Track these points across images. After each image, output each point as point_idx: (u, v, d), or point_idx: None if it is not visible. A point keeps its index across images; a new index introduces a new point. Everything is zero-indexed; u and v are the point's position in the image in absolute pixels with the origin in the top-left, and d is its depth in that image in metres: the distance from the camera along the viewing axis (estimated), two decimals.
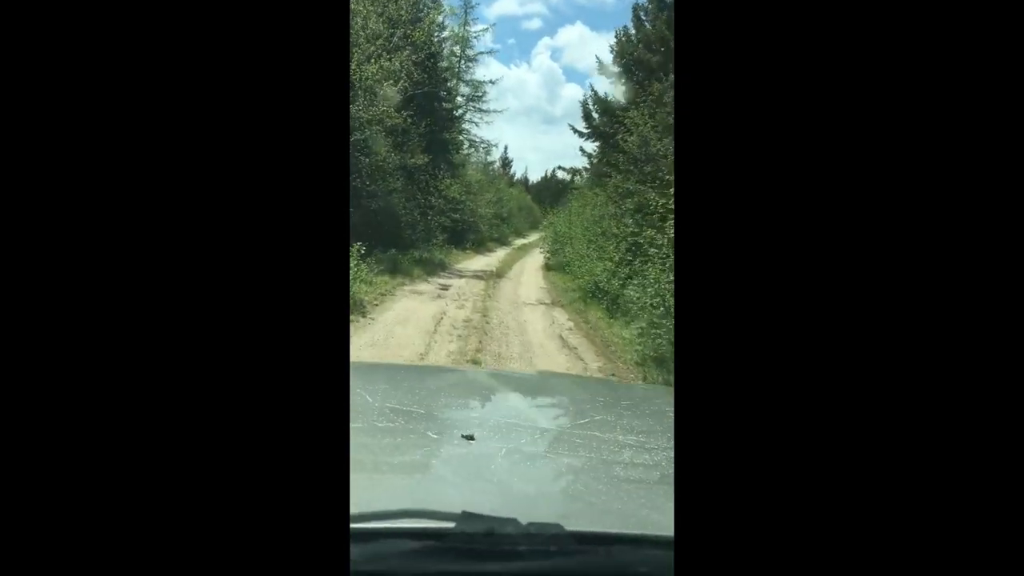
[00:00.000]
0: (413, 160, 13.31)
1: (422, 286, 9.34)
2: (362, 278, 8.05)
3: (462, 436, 0.88)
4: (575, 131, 14.27)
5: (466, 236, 17.81)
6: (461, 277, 11.19)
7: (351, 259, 7.86)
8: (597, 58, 14.45)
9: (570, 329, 6.65)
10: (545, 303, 8.74)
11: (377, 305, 7.03)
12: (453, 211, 16.40)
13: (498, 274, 12.20)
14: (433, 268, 11.52)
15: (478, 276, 11.53)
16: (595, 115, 13.91)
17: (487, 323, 6.54)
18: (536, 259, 17.49)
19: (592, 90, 14.25)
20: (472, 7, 20.34)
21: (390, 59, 10.78)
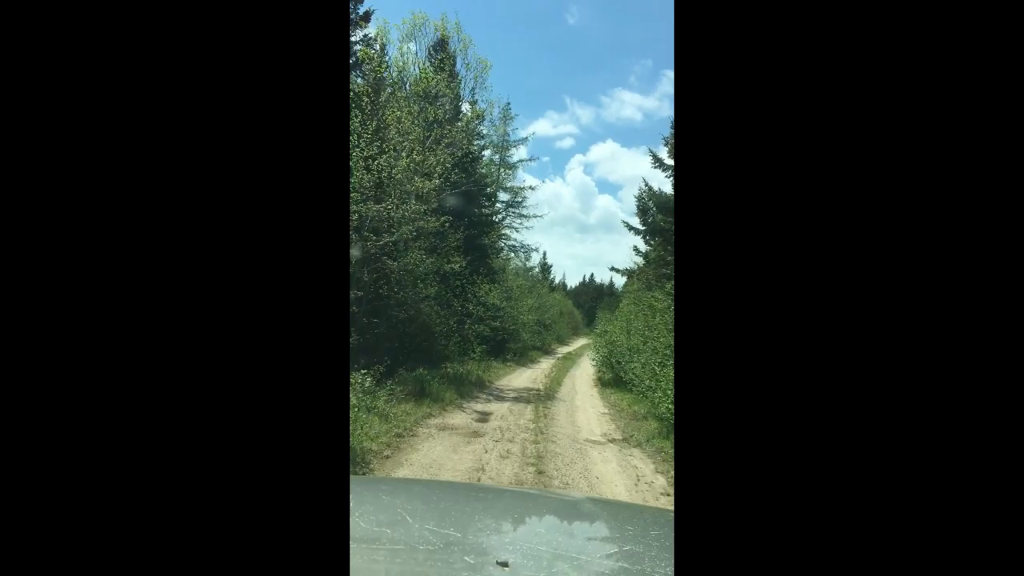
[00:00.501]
0: (450, 265, 12.06)
1: (455, 416, 7.41)
2: (377, 410, 6.22)
3: (496, 563, 0.86)
4: (629, 228, 12.82)
5: (506, 346, 16.16)
6: (503, 399, 9.24)
7: (358, 390, 6.13)
8: (651, 151, 13.30)
9: (667, 494, 4.56)
10: (615, 439, 6.66)
11: (388, 457, 5.04)
12: (493, 319, 14.94)
13: (547, 394, 10.20)
14: (469, 388, 9.63)
15: (523, 398, 9.56)
16: (653, 209, 12.49)
17: (545, 486, 4.52)
18: (586, 371, 15.51)
19: (647, 185, 12.99)
20: (511, 118, 20.03)
21: (423, 155, 9.75)
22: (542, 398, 9.63)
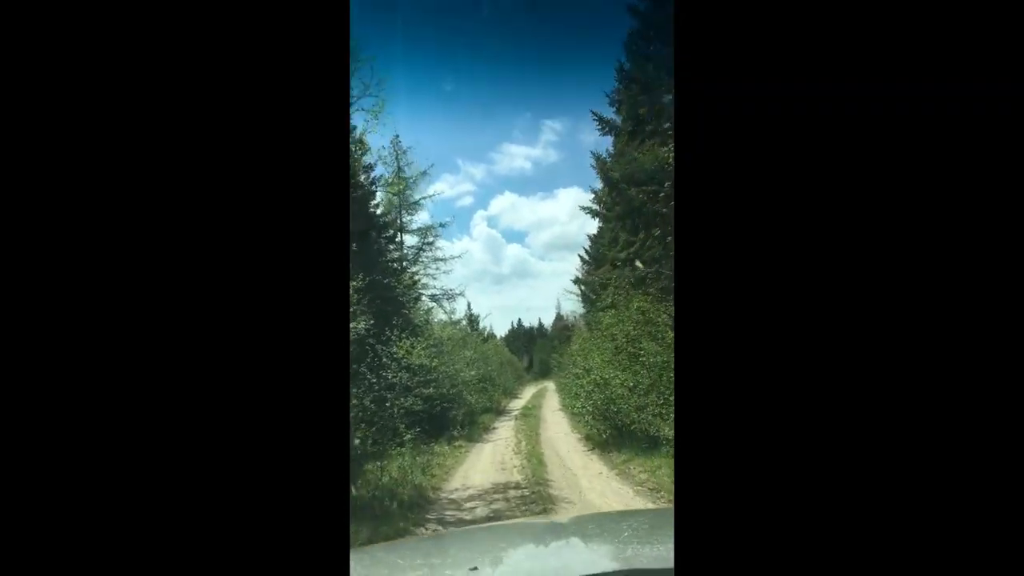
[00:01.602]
0: (352, 324, 7.83)
1: None
2: None
3: (468, 569, 1.00)
4: (594, 214, 9.26)
5: (448, 417, 11.92)
6: (468, 528, 5.03)
7: None
8: (593, 113, 9.91)
9: None
10: None
11: None
12: (424, 385, 10.69)
13: (535, 491, 6.07)
14: (397, 519, 5.33)
15: (501, 512, 5.40)
16: (611, 168, 9.04)
17: None
18: (560, 429, 11.58)
19: (595, 157, 9.65)
20: (403, 152, 16.22)
21: None
22: (531, 503, 5.53)
